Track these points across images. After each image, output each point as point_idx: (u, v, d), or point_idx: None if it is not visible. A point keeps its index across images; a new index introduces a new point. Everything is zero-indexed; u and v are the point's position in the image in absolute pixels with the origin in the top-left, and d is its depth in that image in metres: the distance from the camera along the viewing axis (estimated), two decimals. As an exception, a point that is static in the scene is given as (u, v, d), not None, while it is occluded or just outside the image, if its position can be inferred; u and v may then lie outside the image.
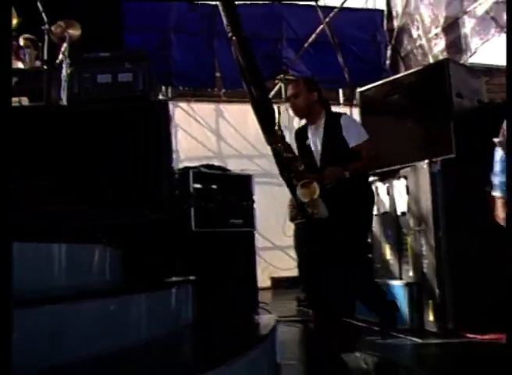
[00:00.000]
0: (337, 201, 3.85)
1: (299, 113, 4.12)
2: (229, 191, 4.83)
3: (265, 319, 3.22)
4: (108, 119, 4.01)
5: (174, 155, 8.61)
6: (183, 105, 9.68)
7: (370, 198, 4.14)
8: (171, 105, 9.35)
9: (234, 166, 8.82)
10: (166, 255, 3.79)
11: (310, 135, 4.10)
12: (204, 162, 9.24)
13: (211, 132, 9.87)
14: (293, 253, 7.96)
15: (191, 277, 2.92)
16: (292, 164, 3.93)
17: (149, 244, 3.74)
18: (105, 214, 3.82)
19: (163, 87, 9.48)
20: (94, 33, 5.83)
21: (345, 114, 4.15)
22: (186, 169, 4.61)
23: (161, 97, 9.33)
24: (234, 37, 6.95)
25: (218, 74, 9.66)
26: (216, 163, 9.08)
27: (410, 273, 4.79)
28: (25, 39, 5.30)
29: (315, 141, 4.05)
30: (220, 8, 6.93)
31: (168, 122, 4.00)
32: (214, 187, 4.69)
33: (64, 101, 4.29)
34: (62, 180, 3.96)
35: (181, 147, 9.35)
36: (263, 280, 8.63)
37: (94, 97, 4.11)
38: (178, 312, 2.65)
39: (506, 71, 3.05)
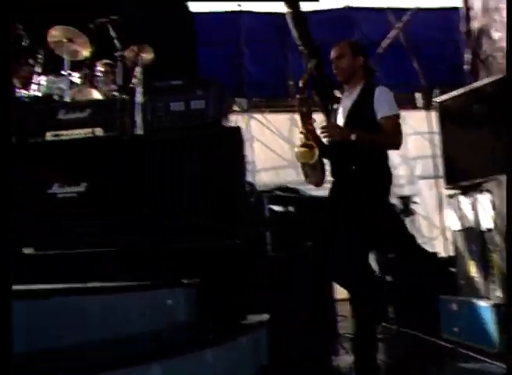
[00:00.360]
0: (350, 178, 3.64)
1: (341, 76, 3.81)
2: (304, 212, 4.73)
3: (342, 360, 3.11)
4: (181, 146, 4.00)
5: (250, 166, 8.67)
6: (258, 116, 9.69)
7: (386, 180, 3.76)
8: (246, 116, 9.47)
9: (309, 175, 8.75)
10: (242, 282, 3.72)
11: (342, 99, 3.89)
12: (280, 172, 9.28)
13: (286, 141, 9.82)
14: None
15: (266, 317, 2.84)
16: (304, 122, 3.74)
17: (224, 272, 3.68)
18: (179, 241, 3.83)
19: (238, 99, 9.53)
20: (168, 55, 5.91)
21: (382, 86, 3.79)
22: (261, 192, 4.56)
23: (236, 108, 9.40)
24: (305, 50, 6.88)
25: (291, 82, 9.60)
26: (291, 172, 9.09)
27: (498, 293, 4.55)
28: (104, 64, 5.42)
29: (345, 107, 3.82)
30: (288, 20, 6.86)
31: (241, 148, 3.94)
32: (288, 209, 4.61)
33: (138, 130, 4.34)
34: (135, 209, 4.00)
35: (257, 158, 9.38)
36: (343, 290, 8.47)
37: (167, 125, 4.14)
38: (255, 355, 2.59)
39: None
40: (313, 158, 3.59)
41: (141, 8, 7.29)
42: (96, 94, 5.06)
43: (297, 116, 3.82)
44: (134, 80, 5.13)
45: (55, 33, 5.07)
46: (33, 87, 4.94)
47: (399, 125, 3.68)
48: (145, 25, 6.94)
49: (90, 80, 5.07)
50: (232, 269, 3.64)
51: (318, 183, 3.71)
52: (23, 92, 4.91)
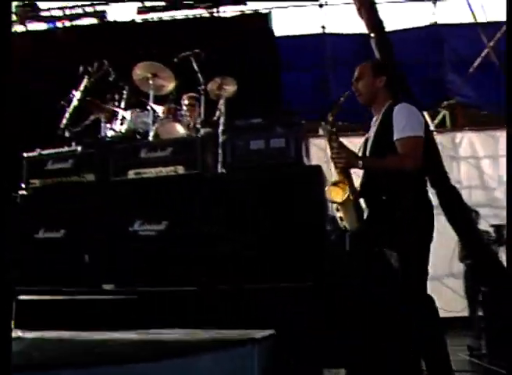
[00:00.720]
0: (380, 209, 3.35)
1: (360, 98, 3.55)
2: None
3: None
4: (261, 185, 3.97)
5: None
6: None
7: (421, 207, 3.35)
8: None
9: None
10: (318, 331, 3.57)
11: (371, 126, 3.56)
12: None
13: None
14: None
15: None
16: (336, 157, 3.39)
17: (306, 318, 3.56)
18: (259, 285, 3.76)
19: (323, 124, 9.42)
20: (251, 86, 5.91)
21: (403, 103, 3.43)
22: (343, 230, 4.41)
23: (321, 133, 9.29)
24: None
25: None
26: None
27: None
28: (190, 98, 5.47)
29: (371, 135, 3.52)
30: (373, 44, 6.66)
31: (321, 186, 3.83)
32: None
33: (219, 168, 4.35)
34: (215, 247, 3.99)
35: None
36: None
37: (246, 164, 4.13)
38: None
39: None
40: (343, 198, 3.34)
41: (224, 39, 7.35)
42: (179, 128, 5.08)
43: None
44: (218, 113, 5.15)
45: (139, 72, 5.13)
46: (118, 121, 5.03)
47: (414, 147, 3.28)
48: (228, 55, 6.98)
49: (173, 114, 5.11)
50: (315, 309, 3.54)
51: (353, 225, 3.46)
52: (108, 126, 5.01)
